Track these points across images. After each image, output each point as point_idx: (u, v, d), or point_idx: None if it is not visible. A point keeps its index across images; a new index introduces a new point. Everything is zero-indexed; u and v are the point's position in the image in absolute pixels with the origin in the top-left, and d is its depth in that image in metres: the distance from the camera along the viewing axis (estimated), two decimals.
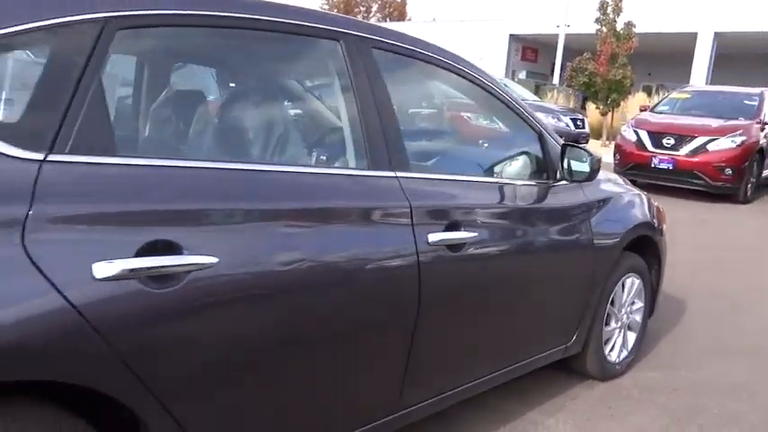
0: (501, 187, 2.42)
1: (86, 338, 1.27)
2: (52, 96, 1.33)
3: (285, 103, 2.25)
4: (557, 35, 25.69)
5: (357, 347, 1.85)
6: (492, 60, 28.99)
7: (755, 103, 9.94)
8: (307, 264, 1.66)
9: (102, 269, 1.28)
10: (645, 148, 9.21)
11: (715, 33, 25.71)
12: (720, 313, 4.38)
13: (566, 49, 24.30)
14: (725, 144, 8.87)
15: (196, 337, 1.45)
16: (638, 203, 3.20)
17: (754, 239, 7.02)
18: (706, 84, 23.99)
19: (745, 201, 9.10)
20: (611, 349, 3.18)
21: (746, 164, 8.92)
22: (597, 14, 16.47)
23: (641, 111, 11.28)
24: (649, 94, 21.72)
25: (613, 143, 11.43)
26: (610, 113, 16.90)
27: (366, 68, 1.96)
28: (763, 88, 10.77)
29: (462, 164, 2.56)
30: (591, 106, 17.62)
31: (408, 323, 1.95)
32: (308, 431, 1.82)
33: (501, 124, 3.21)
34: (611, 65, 15.89)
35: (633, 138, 9.47)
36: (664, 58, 27.05)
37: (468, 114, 7.91)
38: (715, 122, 9.31)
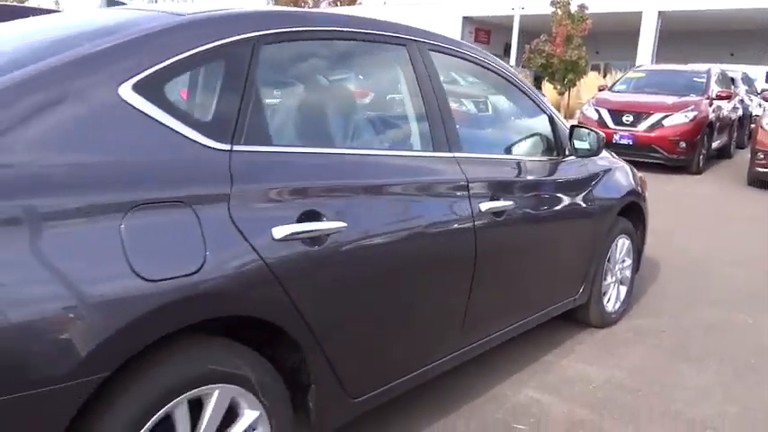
0: (525, 164, 2.87)
1: (269, 284, 1.67)
2: (228, 99, 1.71)
3: (378, 98, 2.66)
4: (509, 17, 26.29)
5: (436, 291, 2.29)
6: None
7: (704, 80, 10.66)
8: (402, 225, 2.09)
9: (279, 232, 1.68)
10: (606, 126, 9.81)
11: (659, 12, 26.73)
12: (690, 269, 4.96)
13: (520, 30, 24.96)
14: (679, 119, 9.55)
15: (335, 281, 1.87)
16: (626, 174, 3.70)
17: (709, 205, 7.70)
18: (651, 61, 25.03)
19: (698, 171, 9.82)
20: (608, 300, 3.69)
21: (698, 137, 9.62)
22: None
23: (599, 90, 11.93)
24: (600, 73, 22.59)
25: (570, 122, 12.04)
26: (566, 93, 17.63)
27: (426, 67, 2.38)
28: (709, 65, 11.54)
29: (487, 144, 2.99)
30: (547, 86, 18.32)
31: (468, 274, 2.39)
32: (400, 357, 2.25)
33: (470, 107, 3.59)
34: (566, 46, 16.57)
35: (595, 116, 10.08)
36: (611, 37, 27.98)
37: (369, 94, 8.37)
38: (669, 99, 9.98)
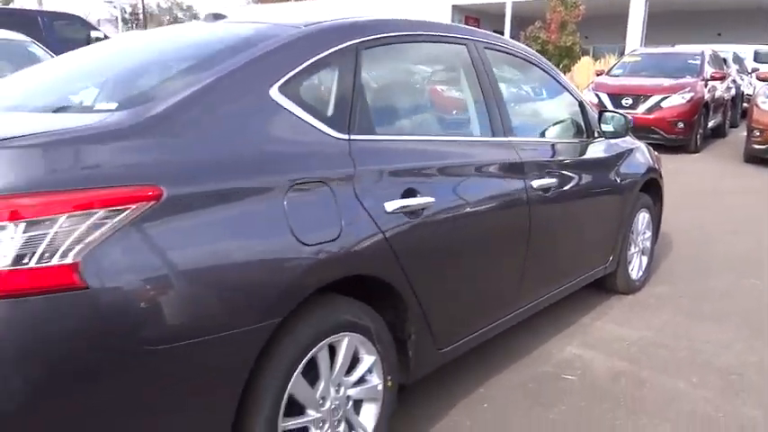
0: (564, 145, 3.21)
1: (385, 249, 2.00)
2: (343, 96, 2.04)
3: (448, 90, 2.99)
4: (498, 4, 26.51)
5: (500, 256, 2.64)
6: None
7: (698, 62, 11.03)
8: (475, 198, 2.44)
9: (389, 206, 2.02)
10: (606, 109, 10.14)
11: None
12: (698, 241, 5.34)
13: (512, 17, 25.27)
14: (676, 101, 9.92)
15: (428, 248, 2.21)
16: (646, 153, 4.06)
17: (709, 182, 8.09)
18: (641, 44, 25.42)
19: (696, 150, 10.20)
20: (633, 269, 4.05)
21: (695, 117, 10.00)
22: None
23: (597, 75, 12.27)
24: (591, 57, 22.89)
25: None
26: None
27: (483, 63, 2.71)
28: (702, 47, 11.91)
29: (532, 129, 3.32)
30: None
31: (524, 243, 2.74)
32: (473, 315, 2.61)
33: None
34: (561, 32, 16.91)
35: (595, 100, 10.42)
36: (599, 21, 28.33)
37: (441, 87, 8.71)
38: (666, 81, 10.34)
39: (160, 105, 1.62)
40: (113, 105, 1.73)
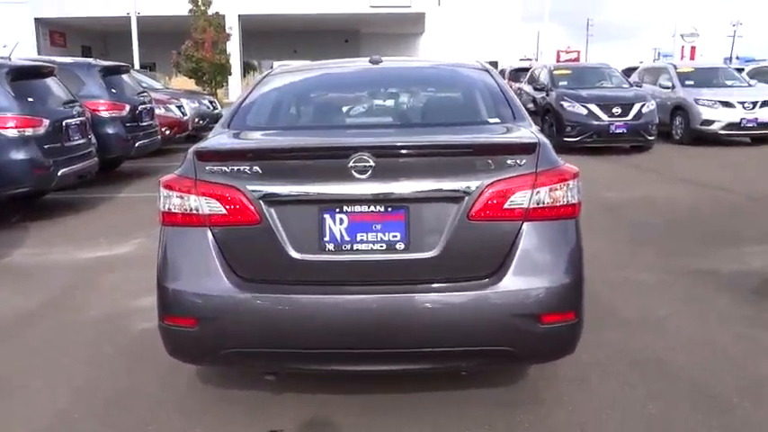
0: None
1: None
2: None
3: None
4: (89, 18, 25.77)
5: None
6: (22, 46, 26.88)
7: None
8: None
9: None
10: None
11: (239, 15, 29.56)
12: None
13: (102, 32, 24.76)
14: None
15: None
16: None
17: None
18: (240, 54, 27.39)
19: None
20: None
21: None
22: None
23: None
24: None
25: None
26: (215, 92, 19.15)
27: None
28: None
29: None
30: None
31: None
32: None
33: None
34: (213, 51, 18.08)
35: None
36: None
37: None
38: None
39: (524, 122, 2.70)
40: (496, 120, 2.77)
